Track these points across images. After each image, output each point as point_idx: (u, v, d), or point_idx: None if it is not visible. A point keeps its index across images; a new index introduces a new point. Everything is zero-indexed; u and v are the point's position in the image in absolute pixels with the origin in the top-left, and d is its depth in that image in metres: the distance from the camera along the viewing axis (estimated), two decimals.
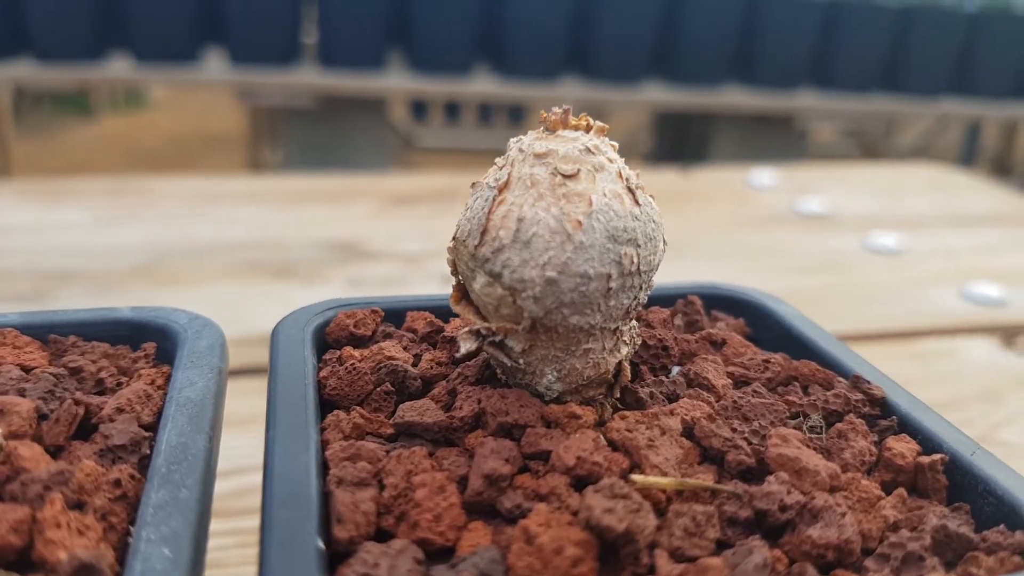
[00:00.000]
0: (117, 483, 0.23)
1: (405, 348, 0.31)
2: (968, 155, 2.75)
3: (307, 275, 0.89)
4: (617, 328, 0.26)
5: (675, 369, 0.30)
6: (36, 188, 1.12)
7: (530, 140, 0.25)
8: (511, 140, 0.26)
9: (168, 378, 0.29)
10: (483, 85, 2.21)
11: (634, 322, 0.27)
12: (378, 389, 0.29)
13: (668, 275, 0.93)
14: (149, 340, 0.32)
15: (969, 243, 1.04)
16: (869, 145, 3.04)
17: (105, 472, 0.23)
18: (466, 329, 0.27)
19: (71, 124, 3.40)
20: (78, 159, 3.11)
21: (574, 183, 0.24)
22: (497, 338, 0.26)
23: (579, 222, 0.24)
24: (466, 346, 0.26)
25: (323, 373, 0.30)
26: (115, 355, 0.31)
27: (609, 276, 0.24)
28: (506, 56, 2.15)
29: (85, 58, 1.98)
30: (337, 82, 2.11)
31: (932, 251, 1.00)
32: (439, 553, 0.22)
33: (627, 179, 0.25)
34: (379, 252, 0.96)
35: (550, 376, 0.26)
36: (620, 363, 0.27)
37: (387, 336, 0.33)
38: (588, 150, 0.25)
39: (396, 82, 2.15)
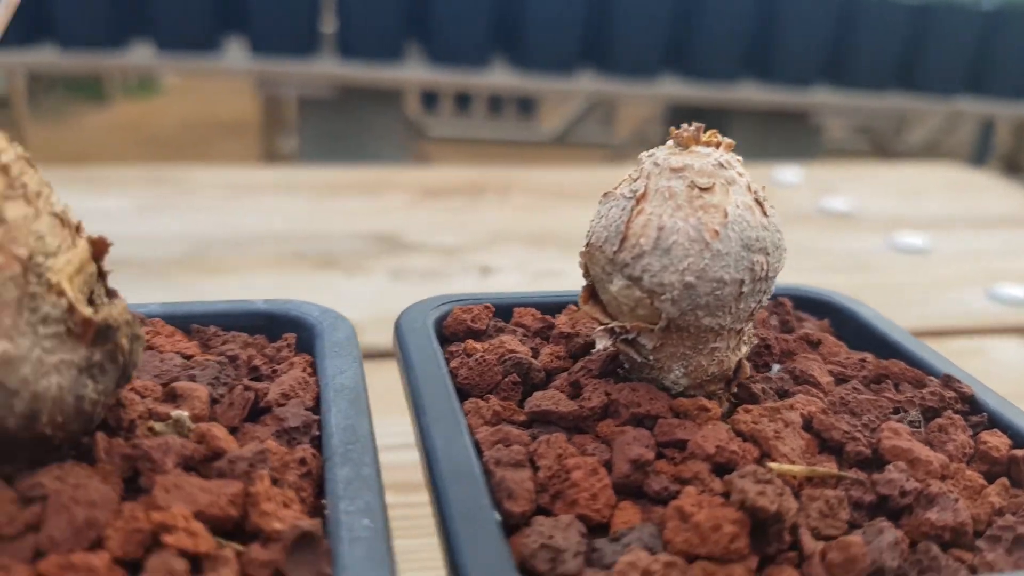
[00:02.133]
0: (303, 461, 0.25)
1: (521, 342, 0.34)
2: (981, 153, 2.78)
3: (349, 266, 0.91)
4: (741, 329, 0.29)
5: (775, 367, 0.33)
6: (75, 175, 1.14)
7: (664, 155, 0.28)
8: (643, 155, 0.28)
9: (312, 366, 0.31)
10: (499, 77, 2.23)
11: (751, 323, 0.30)
12: (506, 379, 0.31)
13: None
14: (282, 331, 0.34)
15: (993, 243, 1.06)
16: (880, 142, 3.07)
17: (290, 451, 0.25)
18: (601, 328, 0.29)
19: (84, 109, 3.41)
20: (92, 144, 3.12)
21: (710, 195, 0.26)
22: (631, 336, 0.28)
23: (716, 231, 0.26)
24: (602, 343, 0.29)
25: (453, 364, 0.32)
26: (255, 344, 0.33)
27: (742, 282, 0.27)
28: (522, 49, 2.17)
29: (106, 45, 2.00)
30: (355, 73, 2.13)
31: (957, 251, 1.02)
32: (594, 529, 0.25)
33: (755, 192, 0.27)
34: (416, 244, 0.98)
35: (677, 372, 0.29)
36: (740, 361, 0.29)
37: (499, 331, 0.35)
38: (720, 165, 0.27)
39: (413, 74, 2.17)
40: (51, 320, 0.22)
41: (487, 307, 0.36)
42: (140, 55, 2.03)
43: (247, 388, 0.28)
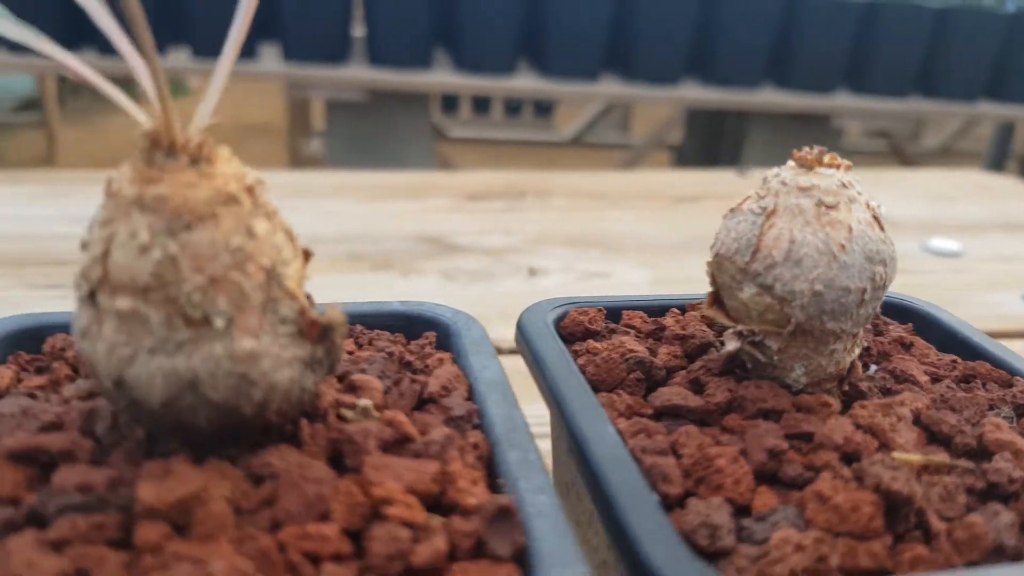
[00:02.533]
0: (476, 445, 0.28)
1: (636, 342, 0.37)
2: (999, 157, 2.80)
3: (403, 268, 0.94)
4: (857, 333, 0.32)
5: (873, 367, 0.36)
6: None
7: (791, 175, 0.31)
8: (769, 174, 0.32)
9: (454, 362, 0.35)
10: (525, 83, 2.26)
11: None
12: (630, 376, 0.34)
13: None
14: (418, 330, 0.37)
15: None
16: (896, 145, 3.09)
17: (463, 437, 0.29)
18: (731, 331, 0.32)
19: (112, 111, 3.46)
20: (120, 146, 3.17)
21: (835, 212, 0.29)
22: (757, 338, 0.31)
23: (843, 245, 0.29)
24: (731, 344, 0.32)
25: (580, 361, 0.35)
26: (399, 341, 0.36)
27: (864, 290, 0.30)
28: (547, 56, 2.20)
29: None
30: (384, 78, 2.16)
31: (990, 255, 1.05)
32: (738, 511, 0.28)
33: (872, 209, 0.30)
34: (464, 246, 1.01)
35: (798, 371, 0.32)
36: (853, 361, 0.32)
37: (612, 332, 0.38)
38: (843, 185, 0.30)
39: (441, 79, 2.20)
40: (287, 321, 0.25)
41: (600, 310, 0.39)
42: (177, 60, 2.07)
43: (413, 381, 0.31)
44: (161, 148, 0.23)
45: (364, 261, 0.95)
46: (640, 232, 1.06)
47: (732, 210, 0.32)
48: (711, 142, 2.73)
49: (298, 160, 3.04)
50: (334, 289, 0.85)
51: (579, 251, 1.00)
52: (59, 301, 0.77)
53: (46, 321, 0.35)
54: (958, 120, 3.06)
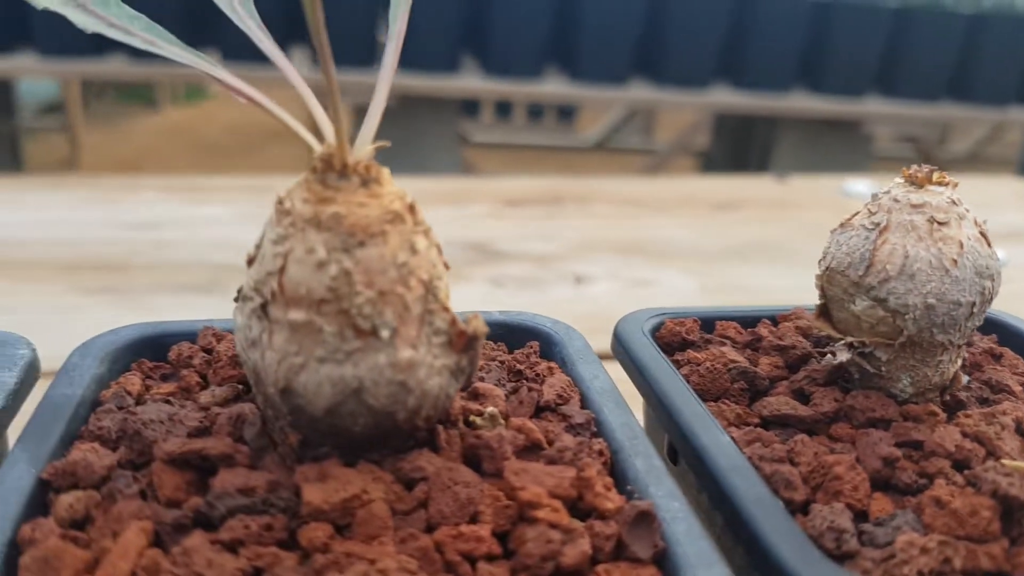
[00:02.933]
0: (600, 452, 0.30)
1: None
2: None
3: (452, 274, 0.95)
4: (962, 344, 0.33)
5: (965, 377, 0.37)
6: (177, 184, 1.20)
7: (902, 193, 0.32)
8: (879, 192, 0.33)
9: (563, 371, 0.36)
10: (554, 87, 2.28)
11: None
12: (734, 386, 0.36)
13: (777, 282, 0.97)
14: (518, 339, 0.39)
15: None
16: (924, 150, 3.09)
17: (588, 443, 0.30)
18: (842, 342, 0.33)
19: (135, 114, 3.51)
20: (143, 149, 3.21)
21: (947, 229, 0.31)
22: (867, 350, 0.33)
23: (955, 260, 0.30)
24: (842, 355, 0.33)
25: (684, 371, 0.37)
26: (499, 350, 0.38)
27: (973, 303, 0.31)
28: (576, 60, 2.22)
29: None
30: (413, 83, 2.18)
31: None
32: (856, 517, 0.29)
33: (980, 226, 0.32)
34: (508, 253, 1.03)
35: (905, 381, 0.33)
36: (956, 372, 0.34)
37: (707, 342, 0.40)
38: (952, 202, 0.32)
39: (469, 84, 2.22)
40: (440, 332, 0.26)
41: (695, 320, 0.40)
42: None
43: (530, 389, 0.33)
44: (334, 169, 0.25)
45: None
46: (682, 239, 1.08)
47: (841, 225, 0.33)
48: (739, 147, 2.73)
49: None
50: None
51: (623, 258, 1.02)
52: (112, 306, 0.79)
53: (166, 330, 0.37)
54: (986, 126, 3.05)
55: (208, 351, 0.36)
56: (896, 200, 0.32)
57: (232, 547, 0.24)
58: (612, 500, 0.27)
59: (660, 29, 2.21)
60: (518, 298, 0.90)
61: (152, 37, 0.28)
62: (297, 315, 0.24)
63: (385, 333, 0.25)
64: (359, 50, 2.15)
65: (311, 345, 0.25)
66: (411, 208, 0.26)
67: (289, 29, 2.11)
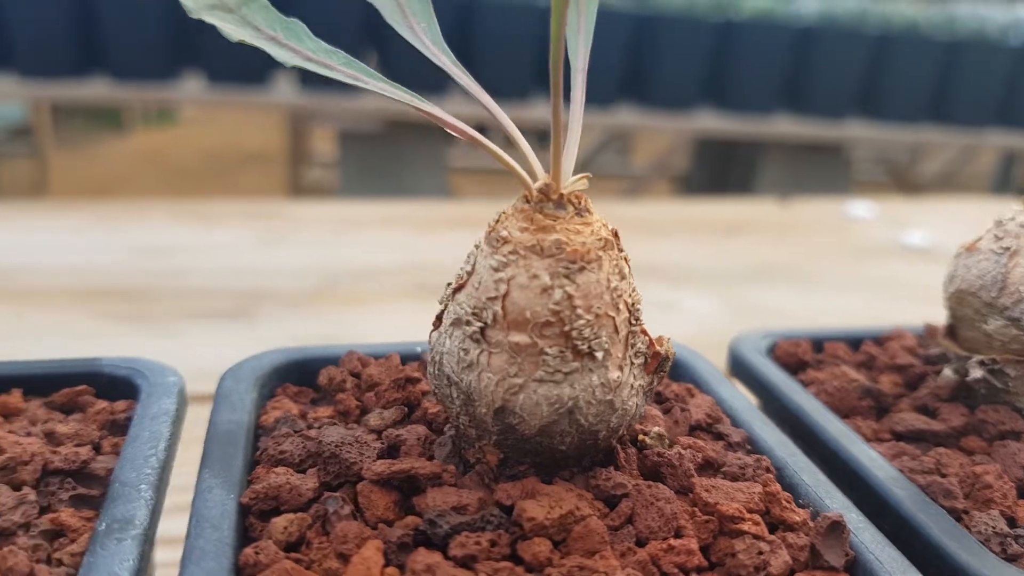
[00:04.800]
0: (767, 469, 0.32)
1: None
2: (1001, 185, 2.90)
3: None
4: None
5: None
6: (182, 209, 1.20)
7: None
8: (1002, 217, 0.35)
9: (702, 392, 0.38)
10: (542, 111, 2.31)
11: None
12: (862, 403, 0.38)
13: (795, 303, 0.99)
14: None
15: None
16: (897, 172, 3.18)
17: (747, 458, 0.32)
18: (975, 360, 0.36)
19: (104, 138, 3.46)
20: (113, 174, 3.17)
21: None
22: (996, 367, 0.35)
23: None
24: (975, 373, 0.36)
25: (811, 390, 0.39)
26: None
27: None
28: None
29: (158, 77, 2.06)
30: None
31: None
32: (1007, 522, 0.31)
33: None
34: None
35: None
36: None
37: (819, 362, 0.42)
38: None
39: (458, 108, 2.25)
40: (639, 353, 0.28)
41: (808, 341, 0.42)
42: (192, 87, 2.09)
43: (682, 409, 0.35)
44: (551, 199, 0.26)
45: (429, 290, 0.97)
46: (696, 262, 1.10)
47: (967, 249, 0.36)
48: (720, 170, 2.79)
49: (298, 189, 3.06)
50: (407, 319, 0.87)
51: (643, 281, 1.03)
52: (138, 333, 0.79)
53: (309, 355, 0.38)
54: (956, 148, 3.16)
55: (356, 375, 0.37)
56: (1023, 226, 0.35)
57: (465, 563, 0.25)
58: (798, 513, 0.29)
59: (645, 54, 2.26)
60: None
61: (354, 72, 0.29)
62: (520, 338, 0.26)
63: (599, 354, 0.26)
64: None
65: (531, 366, 0.26)
66: (615, 235, 0.28)
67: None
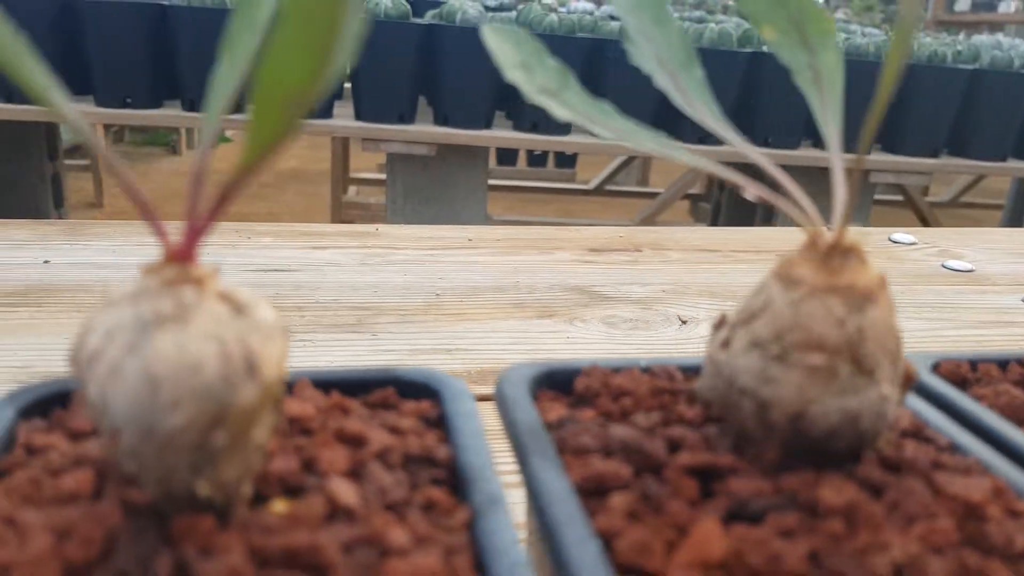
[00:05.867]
0: (983, 468, 0.37)
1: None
2: (1018, 212, 2.97)
3: (566, 315, 1.03)
4: None
5: None
6: (292, 231, 1.26)
7: None
8: None
9: None
10: (574, 139, 2.39)
11: None
12: None
13: None
14: None
15: None
16: (911, 198, 3.25)
17: (964, 459, 0.38)
18: None
19: (153, 158, 3.54)
20: (164, 191, 3.24)
21: None
22: None
23: None
24: None
25: (983, 404, 0.44)
26: None
27: None
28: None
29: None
30: (451, 133, 2.28)
31: None
32: None
33: None
34: (609, 296, 1.10)
35: None
36: None
37: (976, 380, 0.48)
38: None
39: (501, 136, 2.33)
40: (898, 374, 0.34)
41: (967, 362, 0.48)
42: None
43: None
44: (840, 251, 0.32)
45: (528, 308, 1.03)
46: None
47: None
48: (744, 198, 2.86)
49: (341, 207, 3.13)
50: (516, 335, 0.93)
51: (716, 302, 1.10)
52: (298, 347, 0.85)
53: (555, 368, 0.44)
54: (968, 176, 3.23)
55: (605, 385, 0.43)
56: None
57: (784, 536, 0.31)
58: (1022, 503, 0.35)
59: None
60: (632, 338, 0.98)
61: (664, 142, 0.35)
62: (817, 360, 0.32)
63: (878, 374, 0.32)
64: (401, 110, 2.24)
65: (825, 382, 0.32)
66: (882, 282, 0.33)
67: (337, 90, 2.20)
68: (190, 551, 0.28)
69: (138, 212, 0.27)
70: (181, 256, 0.28)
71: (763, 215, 2.76)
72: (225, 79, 0.30)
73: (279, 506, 0.32)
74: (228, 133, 3.97)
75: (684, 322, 1.03)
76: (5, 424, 0.36)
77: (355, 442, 0.36)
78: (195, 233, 0.28)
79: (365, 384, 0.41)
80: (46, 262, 1.04)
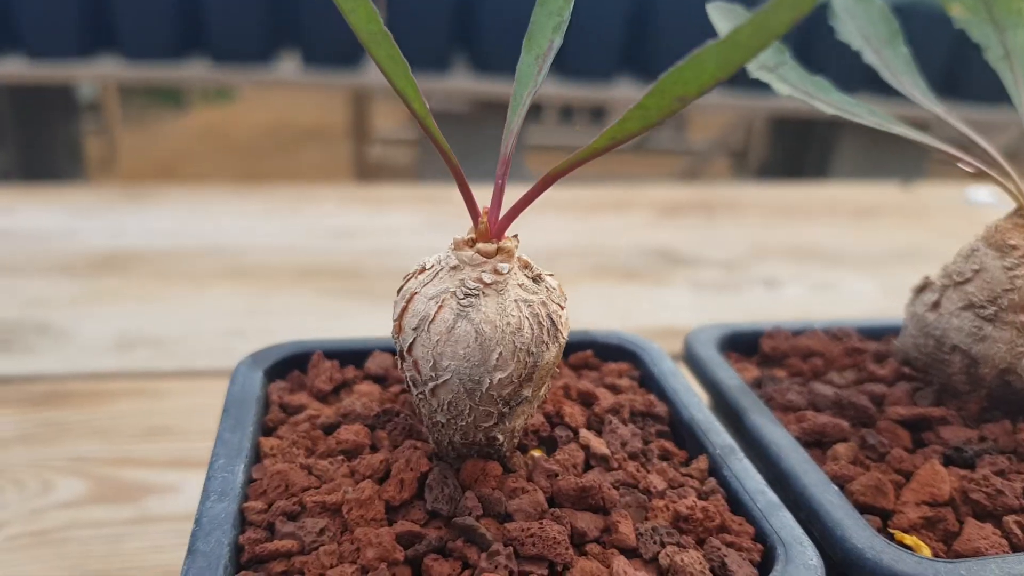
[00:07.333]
0: None
1: None
2: None
3: (652, 278, 1.08)
4: None
5: None
6: (356, 195, 1.32)
7: None
8: None
9: None
10: (624, 91, 2.42)
11: None
12: None
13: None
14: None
15: None
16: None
17: None
18: None
19: (164, 116, 3.58)
20: (175, 150, 3.29)
21: None
22: None
23: None
24: None
25: None
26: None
27: None
28: (650, 66, 2.36)
29: (260, 59, 2.18)
30: (490, 88, 2.31)
31: None
32: None
33: None
34: (693, 258, 1.15)
35: None
36: None
37: None
38: None
39: (547, 89, 2.35)
40: None
41: None
42: (286, 68, 2.21)
43: None
44: None
45: (611, 272, 1.09)
46: (842, 244, 1.21)
47: None
48: (796, 152, 2.89)
49: (364, 166, 3.17)
50: (602, 297, 0.98)
51: (799, 263, 1.15)
52: (362, 309, 0.90)
53: (738, 329, 0.50)
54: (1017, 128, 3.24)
55: (794, 345, 0.48)
56: None
57: (999, 475, 0.37)
58: None
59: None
60: (718, 301, 1.03)
61: (878, 120, 0.40)
62: None
63: None
64: (437, 60, 2.27)
65: None
66: None
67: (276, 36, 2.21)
68: (488, 491, 0.34)
69: (456, 183, 0.32)
70: (496, 232, 0.34)
71: (814, 172, 2.79)
72: (527, 71, 0.35)
73: (536, 454, 0.38)
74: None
75: (770, 285, 1.09)
76: (260, 385, 0.42)
77: (587, 399, 0.41)
78: (512, 214, 0.33)
79: (571, 347, 0.47)
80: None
